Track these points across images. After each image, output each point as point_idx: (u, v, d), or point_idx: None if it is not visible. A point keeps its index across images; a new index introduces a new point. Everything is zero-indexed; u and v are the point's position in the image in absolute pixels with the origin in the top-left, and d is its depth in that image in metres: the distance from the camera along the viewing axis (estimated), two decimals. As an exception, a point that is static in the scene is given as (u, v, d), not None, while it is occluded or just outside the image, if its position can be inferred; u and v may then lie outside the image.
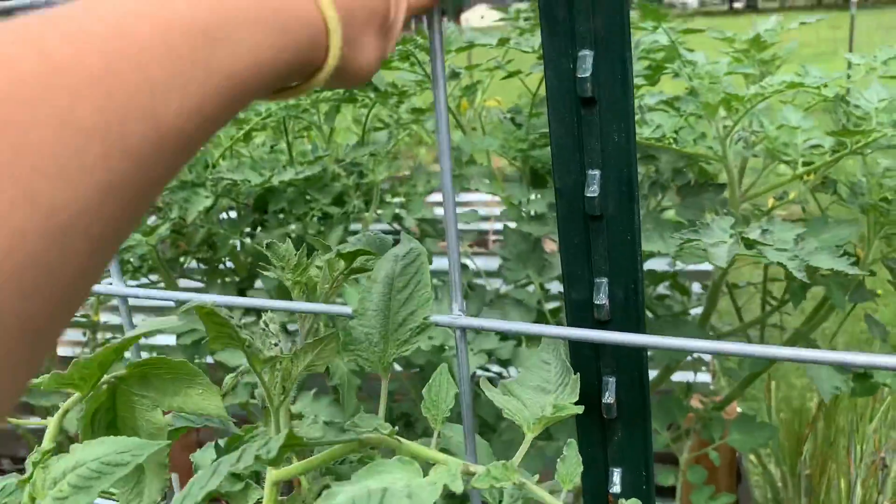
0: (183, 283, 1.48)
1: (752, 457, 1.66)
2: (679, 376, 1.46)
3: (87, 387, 0.53)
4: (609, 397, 0.48)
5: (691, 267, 1.59)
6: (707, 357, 1.55)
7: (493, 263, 1.59)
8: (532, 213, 1.11)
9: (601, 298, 0.46)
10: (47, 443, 0.51)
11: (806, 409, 1.99)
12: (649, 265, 1.28)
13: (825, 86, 0.84)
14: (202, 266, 1.47)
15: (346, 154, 1.37)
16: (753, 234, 0.62)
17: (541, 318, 1.09)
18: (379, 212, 1.37)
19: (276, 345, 0.55)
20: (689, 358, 1.27)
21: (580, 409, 0.45)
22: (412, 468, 0.40)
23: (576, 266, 0.47)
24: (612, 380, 0.48)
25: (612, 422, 0.50)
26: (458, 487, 0.38)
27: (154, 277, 1.46)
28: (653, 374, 1.36)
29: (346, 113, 1.49)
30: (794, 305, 0.99)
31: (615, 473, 0.51)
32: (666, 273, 1.26)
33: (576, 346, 0.49)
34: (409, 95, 1.33)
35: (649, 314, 1.23)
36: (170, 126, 0.24)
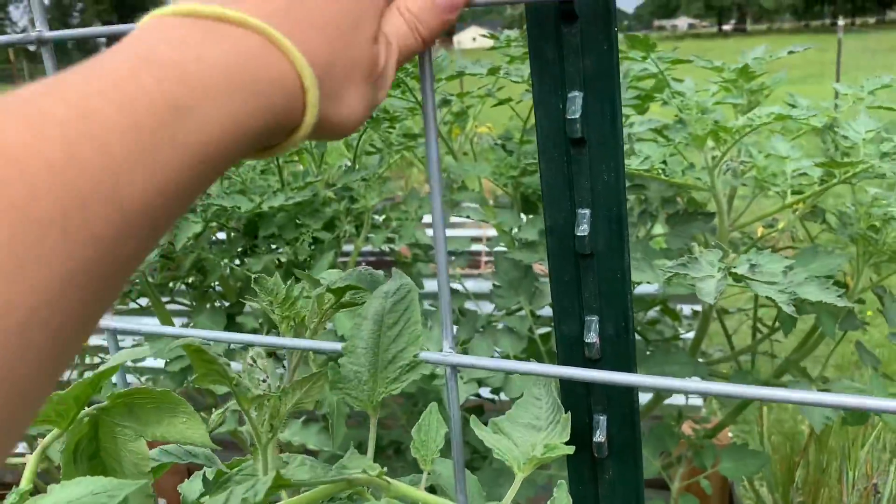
0: (172, 307, 1.47)
1: (744, 483, 1.65)
2: (671, 399, 1.46)
3: (66, 422, 0.53)
4: (600, 436, 0.48)
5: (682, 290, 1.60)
6: (698, 382, 1.54)
7: (484, 286, 1.59)
8: (523, 240, 1.11)
9: (591, 337, 0.46)
10: (25, 483, 0.50)
11: (798, 432, 1.99)
12: (640, 290, 1.28)
13: (814, 116, 0.85)
14: (191, 290, 1.46)
15: (337, 179, 1.37)
16: (742, 268, 0.62)
17: (532, 345, 1.08)
18: (370, 236, 1.37)
19: (263, 381, 0.54)
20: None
21: (571, 450, 0.45)
22: (401, 512, 0.40)
23: (566, 303, 0.47)
24: (602, 418, 0.48)
25: (603, 460, 0.50)
26: (447, 533, 0.37)
27: (143, 301, 1.45)
28: (645, 397, 1.36)
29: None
30: (784, 334, 0.99)
31: (606, 512, 0.51)
32: (656, 298, 1.26)
33: (567, 384, 0.49)
34: (400, 120, 1.33)
35: (640, 338, 1.23)
36: (135, 206, 0.23)
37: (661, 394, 1.17)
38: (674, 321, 1.34)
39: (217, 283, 1.43)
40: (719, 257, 0.64)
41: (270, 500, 0.47)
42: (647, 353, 1.04)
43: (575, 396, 0.49)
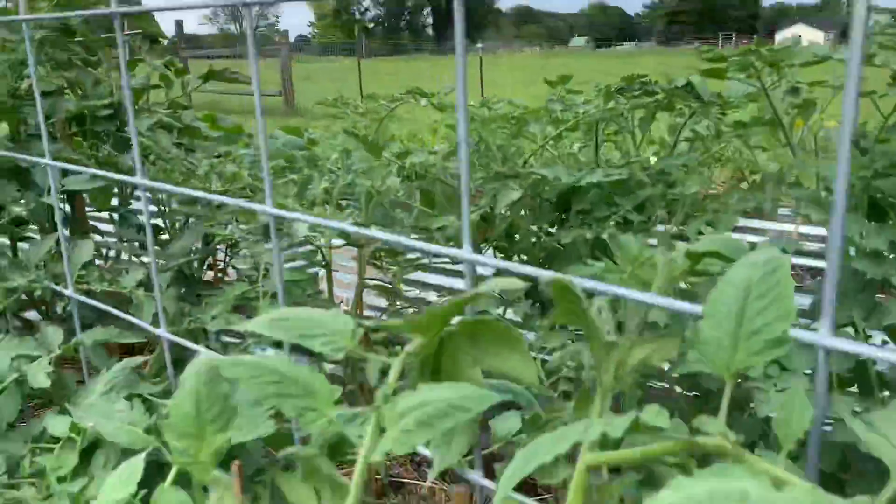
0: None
1: None
2: None
3: (431, 335, 0.58)
4: None
5: None
6: None
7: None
8: (868, 249, 0.99)
9: None
10: (393, 381, 0.57)
11: None
12: None
13: None
14: (498, 254, 1.54)
15: (656, 163, 1.35)
16: None
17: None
18: (683, 227, 1.32)
19: (608, 332, 0.55)
20: None
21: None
22: (764, 483, 0.38)
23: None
24: None
25: None
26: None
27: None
28: None
29: (662, 122, 1.46)
30: None
31: None
32: None
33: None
34: (734, 108, 1.26)
35: None
36: None
37: None
38: None
39: (522, 252, 1.48)
40: None
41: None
42: None
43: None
